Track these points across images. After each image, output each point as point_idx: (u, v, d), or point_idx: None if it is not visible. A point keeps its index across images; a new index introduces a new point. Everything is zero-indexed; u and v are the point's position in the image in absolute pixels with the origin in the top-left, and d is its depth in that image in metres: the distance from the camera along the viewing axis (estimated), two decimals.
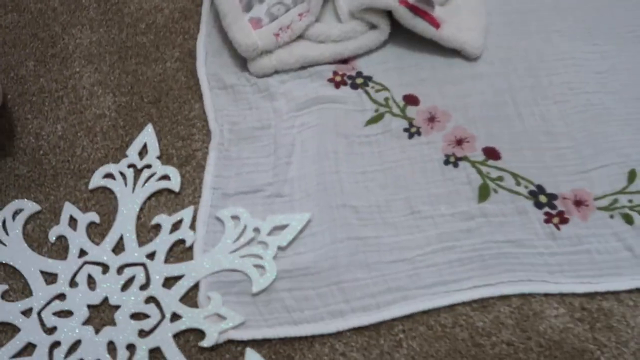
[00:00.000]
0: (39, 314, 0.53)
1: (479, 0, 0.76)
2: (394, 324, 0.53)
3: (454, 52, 0.71)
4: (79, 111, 0.69)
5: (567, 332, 0.52)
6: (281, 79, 0.69)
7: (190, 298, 0.55)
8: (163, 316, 0.53)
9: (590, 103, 0.67)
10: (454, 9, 0.74)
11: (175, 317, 0.53)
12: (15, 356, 0.52)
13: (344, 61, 0.72)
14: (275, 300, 0.54)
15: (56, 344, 0.52)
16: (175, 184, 0.62)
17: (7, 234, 0.59)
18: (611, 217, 0.58)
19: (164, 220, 0.59)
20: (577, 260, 0.55)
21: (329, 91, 0.68)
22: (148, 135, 0.65)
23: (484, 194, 0.60)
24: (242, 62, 0.71)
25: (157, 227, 0.59)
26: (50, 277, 0.56)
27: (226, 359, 0.52)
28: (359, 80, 0.70)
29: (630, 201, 0.59)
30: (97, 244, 0.58)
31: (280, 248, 0.56)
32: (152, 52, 0.74)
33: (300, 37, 0.71)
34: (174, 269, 0.56)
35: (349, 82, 0.70)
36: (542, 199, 0.59)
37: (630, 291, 0.54)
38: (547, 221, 0.58)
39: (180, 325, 0.53)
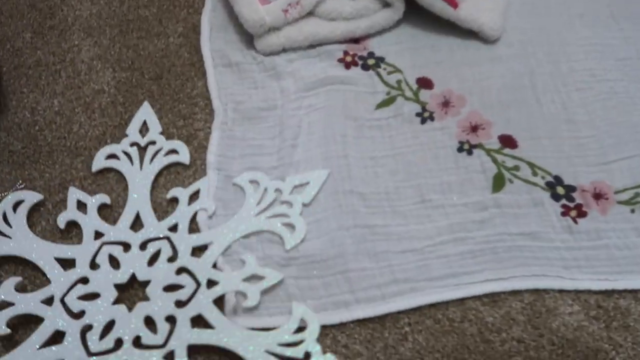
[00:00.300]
0: (62, 300, 0.51)
1: None
2: (400, 317, 0.50)
3: (471, 34, 0.67)
4: (77, 86, 0.66)
5: (581, 330, 0.50)
6: (289, 58, 0.66)
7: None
8: (198, 284, 0.51)
9: (613, 91, 0.63)
10: None
11: (211, 284, 0.51)
12: (43, 346, 0.49)
13: (356, 40, 0.68)
14: (279, 288, 0.51)
15: (87, 328, 0.49)
16: (184, 156, 0.59)
17: (10, 226, 0.55)
18: (632, 211, 0.55)
19: (180, 192, 0.56)
20: (594, 255, 0.53)
21: (338, 72, 0.65)
22: (146, 112, 0.62)
23: (498, 183, 0.57)
24: (248, 38, 0.68)
25: (174, 201, 0.57)
26: (67, 264, 0.53)
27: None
28: (371, 61, 0.66)
29: None
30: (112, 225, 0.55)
31: (304, 205, 0.55)
32: (154, 26, 0.71)
33: (310, 13, 0.68)
34: (200, 238, 0.53)
35: (360, 62, 0.66)
36: (560, 190, 0.56)
37: None
38: (564, 214, 0.55)
39: (219, 291, 0.50)
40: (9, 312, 0.50)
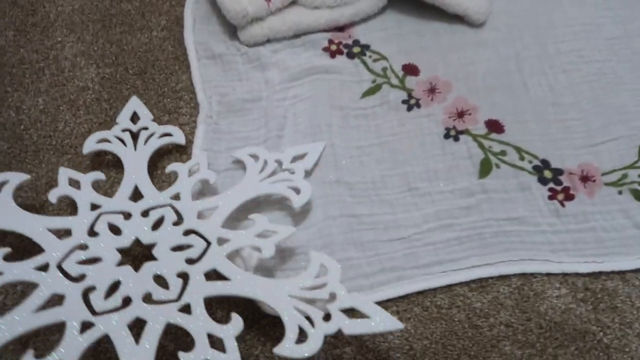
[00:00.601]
0: (59, 266, 0.46)
1: None
2: (388, 305, 0.51)
3: (457, 18, 0.67)
4: (61, 83, 0.65)
5: (569, 312, 0.50)
6: (273, 48, 0.66)
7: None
8: (209, 243, 0.48)
9: (601, 72, 0.63)
10: None
11: (221, 241, 0.49)
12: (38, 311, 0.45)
13: (340, 29, 0.67)
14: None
15: (90, 290, 0.46)
16: (179, 138, 0.57)
17: None
18: (620, 193, 0.55)
19: (179, 167, 0.54)
20: (581, 238, 0.53)
21: (323, 61, 0.65)
22: (135, 104, 0.61)
23: (485, 169, 0.57)
24: (231, 30, 0.67)
25: (173, 177, 0.55)
26: (62, 235, 0.49)
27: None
28: (356, 49, 0.66)
29: None
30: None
31: (306, 172, 0.54)
32: (137, 20, 0.70)
33: (293, 3, 0.67)
34: (205, 203, 0.51)
35: (345, 51, 0.66)
36: (547, 174, 0.56)
37: (636, 270, 0.51)
38: (551, 197, 0.55)
39: (231, 246, 0.48)
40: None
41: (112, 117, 0.63)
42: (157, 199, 0.51)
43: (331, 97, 0.62)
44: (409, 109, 0.61)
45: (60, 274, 0.46)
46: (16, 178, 0.54)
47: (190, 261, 0.47)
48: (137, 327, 0.44)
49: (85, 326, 0.44)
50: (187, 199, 0.51)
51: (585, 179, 0.56)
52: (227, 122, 0.61)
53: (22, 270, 0.47)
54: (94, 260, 0.47)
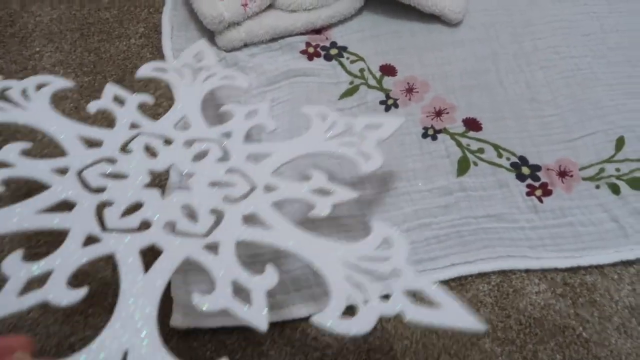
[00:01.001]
0: (79, 173, 0.42)
1: None
2: None
3: (434, 17, 0.67)
4: None
5: (549, 308, 0.50)
6: (251, 53, 0.66)
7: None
8: (253, 187, 0.42)
9: (577, 68, 0.63)
10: None
11: (268, 190, 0.42)
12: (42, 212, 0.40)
13: (317, 31, 0.68)
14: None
15: (106, 205, 0.40)
16: (242, 82, 0.51)
17: (28, 100, 0.46)
18: (597, 187, 0.55)
19: (236, 108, 0.48)
20: (560, 233, 0.53)
21: (301, 64, 0.65)
22: (202, 46, 0.55)
23: (463, 167, 0.57)
24: (209, 35, 0.67)
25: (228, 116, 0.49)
26: (92, 145, 0.44)
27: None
28: (333, 51, 0.66)
29: (617, 170, 0.56)
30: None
31: (379, 142, 0.46)
32: (115, 28, 0.70)
33: (270, 6, 0.67)
34: (258, 148, 0.45)
35: (323, 53, 0.66)
36: (525, 170, 0.56)
37: (614, 264, 0.51)
38: (529, 194, 0.55)
39: (279, 195, 0.41)
40: (7, 173, 0.41)
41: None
42: (205, 132, 0.46)
43: (309, 99, 0.62)
44: (387, 109, 0.61)
45: (78, 181, 0.41)
46: (59, 83, 0.48)
47: (228, 200, 0.41)
48: (149, 256, 0.37)
49: (91, 240, 0.38)
50: (239, 140, 0.45)
51: (563, 174, 0.56)
52: None
53: (37, 169, 0.41)
54: (119, 176, 0.42)
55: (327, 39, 0.67)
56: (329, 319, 0.35)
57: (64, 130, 0.45)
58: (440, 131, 0.59)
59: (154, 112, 0.62)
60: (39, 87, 0.48)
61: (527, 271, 0.52)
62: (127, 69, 0.67)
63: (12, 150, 0.43)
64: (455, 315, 0.35)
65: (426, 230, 0.53)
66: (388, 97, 0.62)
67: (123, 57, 0.68)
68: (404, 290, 0.36)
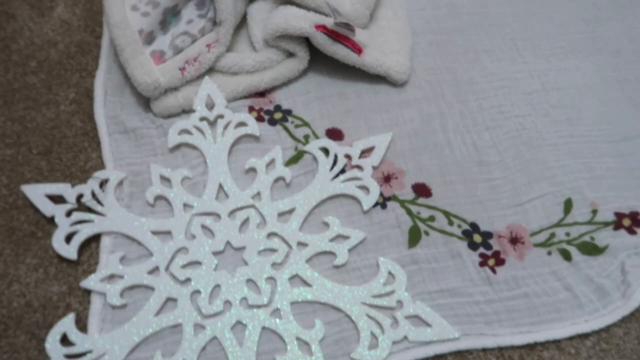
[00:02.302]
0: (167, 269, 0.52)
1: (403, 20, 0.71)
2: None
3: (379, 78, 0.66)
4: None
5: None
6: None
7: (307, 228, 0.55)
8: (290, 247, 0.54)
9: (522, 127, 0.63)
10: (377, 31, 0.69)
11: (300, 246, 0.54)
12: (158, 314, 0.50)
13: (261, 94, 0.65)
14: None
15: (196, 294, 0.51)
16: (253, 128, 0.61)
17: (101, 204, 0.56)
18: (549, 253, 0.54)
19: (258, 164, 0.58)
20: (515, 306, 0.51)
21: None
22: (208, 87, 0.63)
23: (414, 237, 0.55)
24: (145, 101, 0.63)
25: (252, 171, 0.59)
26: (163, 236, 0.55)
27: None
28: (278, 115, 0.64)
29: (567, 234, 0.55)
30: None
31: (374, 167, 0.59)
32: (43, 93, 0.66)
33: (210, 69, 0.64)
34: (284, 204, 0.56)
35: (267, 117, 0.63)
36: (477, 238, 0.55)
37: (571, 338, 0.50)
38: (482, 264, 0.53)
39: (310, 252, 0.53)
40: (121, 284, 0.51)
41: (11, 205, 0.57)
42: (241, 199, 0.57)
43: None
44: (334, 177, 0.59)
45: (170, 278, 0.52)
46: (116, 176, 0.57)
47: (275, 265, 0.53)
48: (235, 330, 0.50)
49: (197, 328, 0.49)
50: (267, 199, 0.56)
51: (514, 240, 0.55)
52: (140, 204, 0.56)
53: (138, 275, 0.52)
54: (195, 264, 0.53)
55: (270, 102, 0.65)
56: (362, 354, 0.48)
57: (138, 229, 0.54)
58: (389, 199, 0.57)
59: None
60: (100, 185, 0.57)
61: (484, 350, 0.49)
62: (55, 139, 0.62)
63: (115, 261, 0.52)
64: (443, 331, 0.49)
65: None
66: (335, 163, 0.60)
67: (51, 126, 0.63)
68: (406, 316, 0.50)
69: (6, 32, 0.72)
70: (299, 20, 0.62)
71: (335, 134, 0.62)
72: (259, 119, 0.63)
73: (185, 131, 0.61)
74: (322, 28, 0.63)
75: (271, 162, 0.59)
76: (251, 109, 0.64)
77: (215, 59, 0.64)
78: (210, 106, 0.62)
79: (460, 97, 0.66)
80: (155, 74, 0.61)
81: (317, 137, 0.62)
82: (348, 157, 0.59)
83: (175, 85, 0.62)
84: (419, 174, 0.59)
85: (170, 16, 0.67)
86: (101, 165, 0.60)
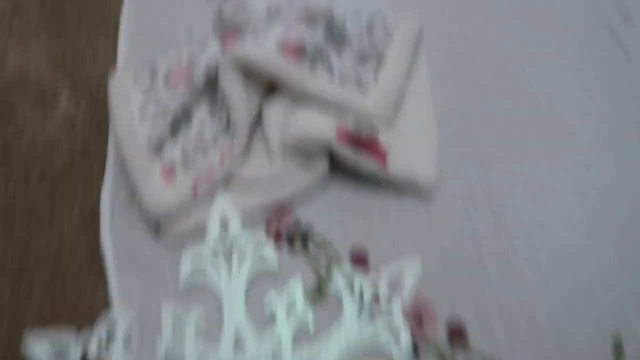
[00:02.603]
0: None
1: (430, 118, 0.66)
2: None
3: (405, 188, 0.61)
4: None
5: None
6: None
7: None
8: None
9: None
10: (402, 129, 0.63)
11: None
12: None
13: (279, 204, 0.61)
14: None
15: None
16: (272, 263, 0.56)
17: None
18: None
19: (279, 305, 0.54)
20: None
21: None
22: (222, 207, 0.59)
23: None
24: (154, 220, 0.59)
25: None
26: None
27: None
28: (297, 235, 0.59)
29: None
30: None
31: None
32: (46, 214, 0.61)
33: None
34: (309, 353, 0.52)
35: (285, 234, 0.59)
36: None
37: None
38: None
39: None
40: None
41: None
42: (260, 349, 0.52)
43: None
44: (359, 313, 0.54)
45: None
46: (124, 321, 0.53)
47: None
48: None
49: None
50: (287, 350, 0.52)
51: None
52: (151, 355, 0.52)
53: None
54: None
55: (289, 213, 0.60)
56: None
57: None
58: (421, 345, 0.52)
59: None
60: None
61: None
62: (59, 270, 0.58)
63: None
64: None
65: None
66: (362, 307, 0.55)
67: (54, 255, 0.59)
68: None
69: (7, 131, 0.68)
70: (321, 131, 0.57)
71: (359, 260, 0.57)
72: (277, 236, 0.59)
73: (200, 272, 0.56)
74: (344, 135, 0.58)
75: (291, 305, 0.54)
76: (269, 221, 0.59)
77: (228, 173, 0.59)
78: (224, 226, 0.58)
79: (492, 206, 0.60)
80: (165, 199, 0.56)
81: (340, 264, 0.57)
82: (375, 297, 0.54)
83: (187, 208, 0.58)
84: (453, 309, 0.54)
85: (180, 121, 0.63)
86: (108, 303, 0.56)
